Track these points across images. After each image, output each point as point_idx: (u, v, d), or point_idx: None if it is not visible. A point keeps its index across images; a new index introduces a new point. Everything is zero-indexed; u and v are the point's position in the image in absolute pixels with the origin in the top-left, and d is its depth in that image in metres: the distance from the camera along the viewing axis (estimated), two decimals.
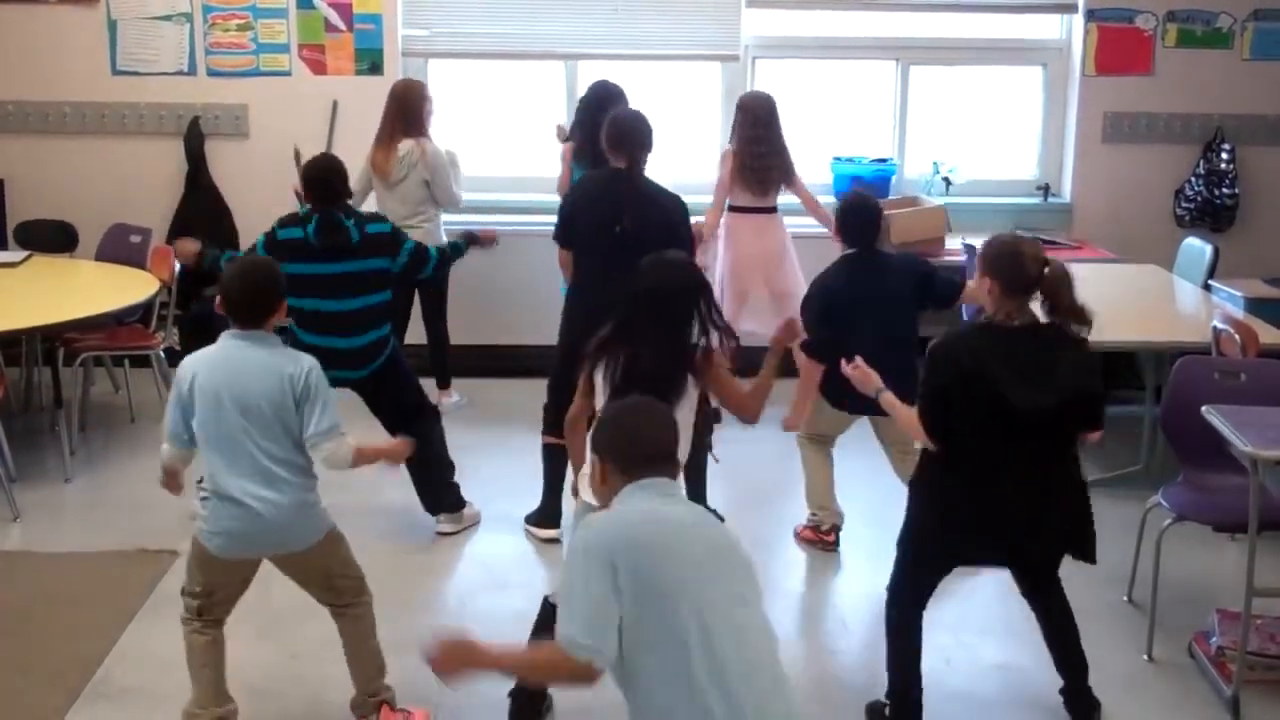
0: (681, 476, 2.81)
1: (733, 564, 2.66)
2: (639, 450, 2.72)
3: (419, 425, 4.88)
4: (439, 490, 5.20)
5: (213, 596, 3.64)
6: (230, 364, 3.54)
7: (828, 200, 7.26)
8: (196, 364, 3.59)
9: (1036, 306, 3.60)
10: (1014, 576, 3.91)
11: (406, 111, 6.31)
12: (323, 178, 4.85)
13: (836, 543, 5.11)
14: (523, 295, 7.03)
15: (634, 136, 4.89)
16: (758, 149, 6.26)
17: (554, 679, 2.58)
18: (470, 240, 5.52)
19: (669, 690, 2.52)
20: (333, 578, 3.72)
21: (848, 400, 4.79)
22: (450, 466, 5.24)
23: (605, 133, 4.97)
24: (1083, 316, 3.55)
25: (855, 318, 4.70)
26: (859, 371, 3.96)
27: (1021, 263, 3.54)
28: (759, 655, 2.59)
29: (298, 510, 3.56)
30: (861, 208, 4.91)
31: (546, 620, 3.78)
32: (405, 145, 6.26)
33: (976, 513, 3.61)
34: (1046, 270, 3.54)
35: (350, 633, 3.76)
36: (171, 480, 3.81)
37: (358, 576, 3.77)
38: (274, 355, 3.55)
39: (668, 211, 4.91)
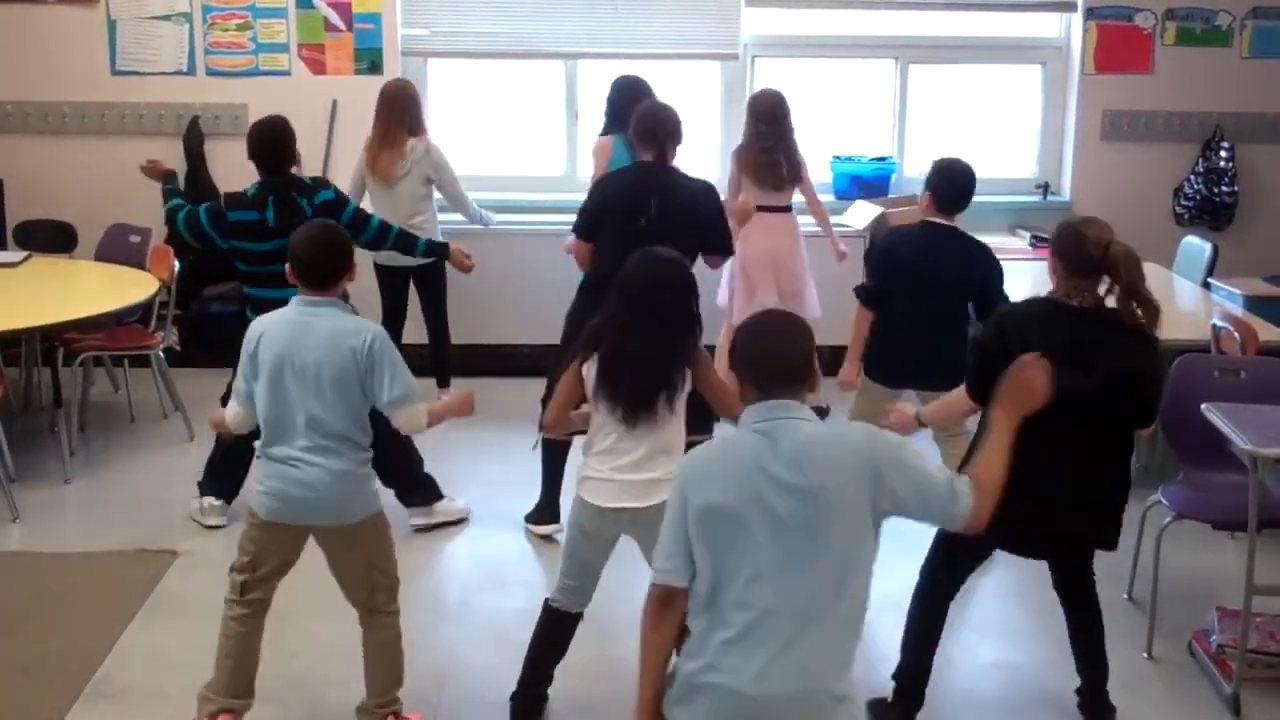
0: (807, 401, 2.73)
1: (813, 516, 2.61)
2: (761, 368, 2.71)
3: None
4: (405, 479, 5.12)
5: (257, 571, 3.62)
6: (296, 331, 3.50)
7: (827, 199, 7.31)
8: (264, 325, 3.56)
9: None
10: (1050, 569, 3.89)
11: (407, 111, 6.31)
12: (274, 142, 5.00)
13: None
14: (523, 295, 7.03)
15: (664, 128, 4.96)
16: (761, 145, 6.28)
17: (654, 620, 2.73)
18: (440, 251, 5.65)
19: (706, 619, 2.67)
20: (371, 569, 3.66)
21: (889, 374, 4.81)
22: (419, 461, 5.18)
23: (634, 126, 5.02)
24: (1140, 295, 3.52)
25: (912, 284, 4.74)
26: (899, 417, 3.95)
27: (1082, 242, 3.56)
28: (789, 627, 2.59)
29: (341, 481, 3.52)
30: (958, 173, 4.85)
31: (548, 623, 3.77)
32: (410, 144, 6.27)
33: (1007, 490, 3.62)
34: (1109, 250, 3.54)
35: (374, 642, 3.72)
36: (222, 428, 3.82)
37: (393, 577, 3.72)
38: (339, 324, 3.51)
39: (696, 202, 4.95)
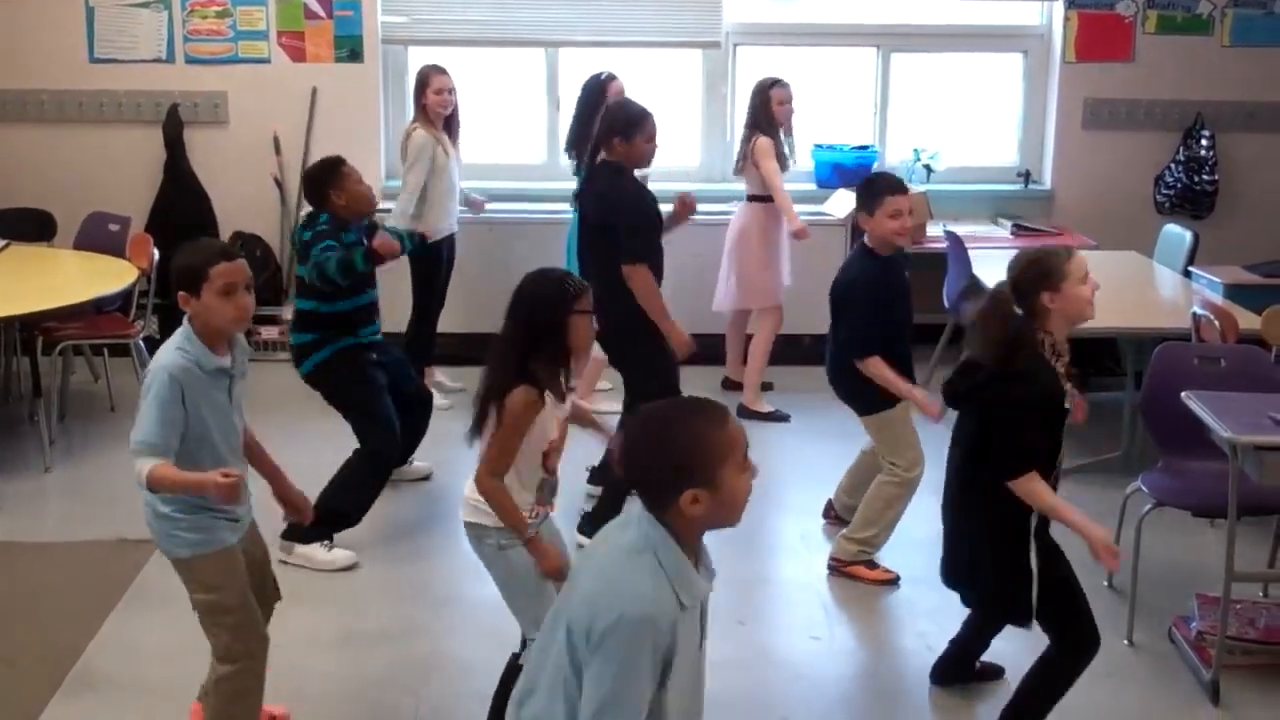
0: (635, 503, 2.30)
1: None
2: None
3: (360, 448, 4.87)
4: (321, 516, 4.54)
5: None
6: None
7: (808, 188, 7.33)
8: None
9: None
10: None
11: (416, 97, 6.31)
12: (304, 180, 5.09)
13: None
14: (504, 282, 6.96)
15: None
16: None
17: None
18: (369, 258, 4.91)
19: None
20: (198, 614, 3.35)
21: None
22: (347, 516, 4.83)
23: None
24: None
25: None
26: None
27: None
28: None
29: (145, 504, 3.29)
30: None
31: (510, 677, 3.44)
32: (407, 129, 6.29)
33: None
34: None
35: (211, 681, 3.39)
36: None
37: (218, 641, 3.33)
38: (162, 349, 3.23)
39: None
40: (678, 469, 2.20)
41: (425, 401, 5.41)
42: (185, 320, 3.22)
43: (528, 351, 3.25)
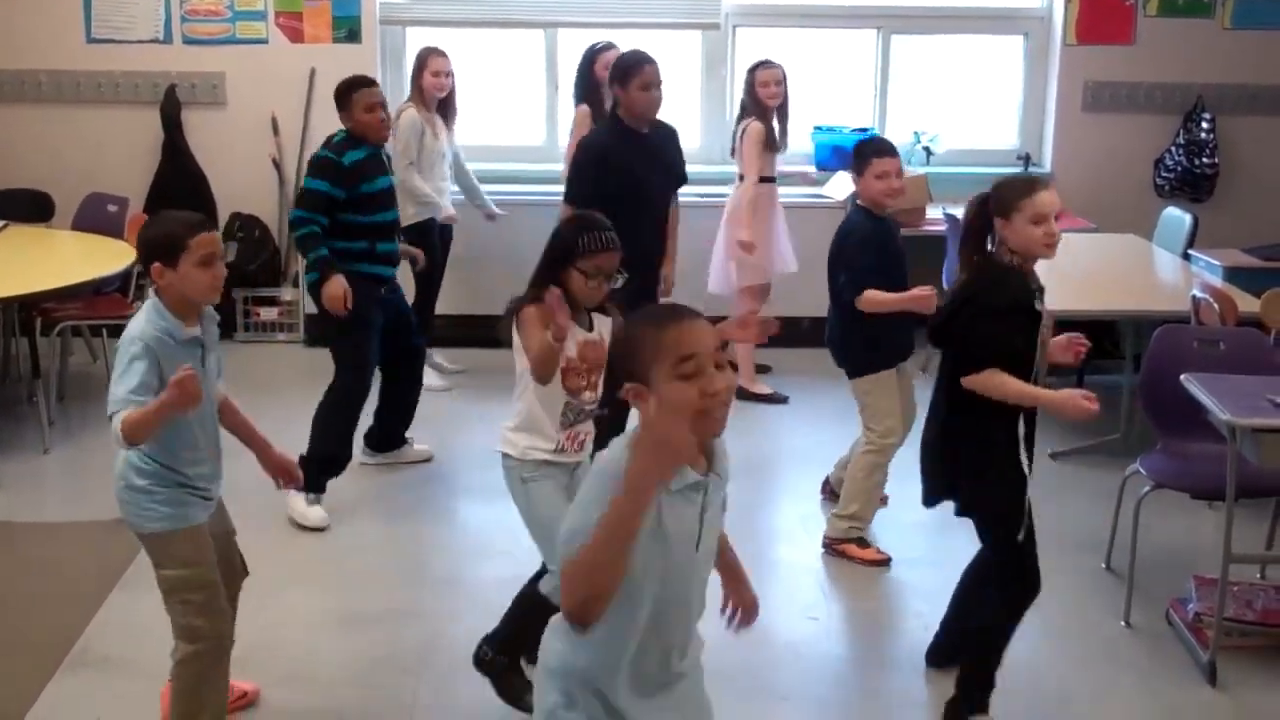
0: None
1: None
2: None
3: (333, 381, 5.00)
4: (308, 463, 4.76)
5: None
6: None
7: (808, 169, 7.33)
8: None
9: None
10: None
11: (413, 78, 6.34)
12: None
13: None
14: (504, 264, 6.96)
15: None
16: None
17: None
18: (318, 271, 4.96)
19: None
20: (163, 590, 3.30)
21: None
22: (334, 458, 4.98)
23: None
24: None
25: None
26: None
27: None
28: None
29: (117, 477, 3.23)
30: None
31: (522, 604, 3.64)
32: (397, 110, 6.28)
33: None
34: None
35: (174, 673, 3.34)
36: None
37: (183, 619, 3.28)
38: (131, 321, 3.18)
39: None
40: (618, 361, 2.26)
41: (417, 356, 5.41)
42: (152, 293, 3.16)
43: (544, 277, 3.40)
